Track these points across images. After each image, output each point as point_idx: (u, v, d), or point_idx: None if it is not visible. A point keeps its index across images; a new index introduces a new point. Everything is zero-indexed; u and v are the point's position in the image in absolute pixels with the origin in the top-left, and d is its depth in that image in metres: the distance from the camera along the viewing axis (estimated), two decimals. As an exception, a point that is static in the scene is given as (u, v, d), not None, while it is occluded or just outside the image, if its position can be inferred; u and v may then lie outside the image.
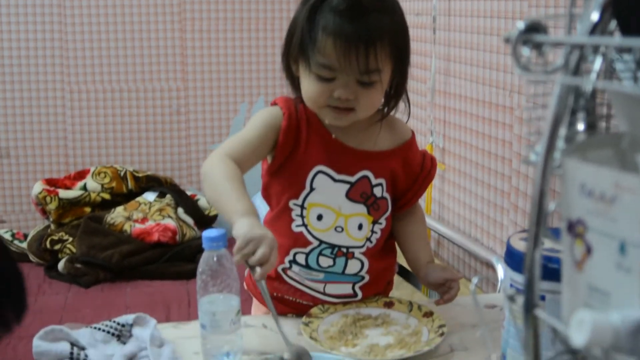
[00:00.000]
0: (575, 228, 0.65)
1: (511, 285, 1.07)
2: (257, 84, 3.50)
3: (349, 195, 1.36)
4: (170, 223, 3.04)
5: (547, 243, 0.70)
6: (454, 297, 1.37)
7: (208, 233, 1.20)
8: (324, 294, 1.40)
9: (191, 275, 2.85)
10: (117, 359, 1.17)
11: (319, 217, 1.36)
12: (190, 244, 3.04)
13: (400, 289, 1.56)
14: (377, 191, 1.38)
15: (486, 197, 2.15)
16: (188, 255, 3.00)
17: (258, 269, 1.13)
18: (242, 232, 1.13)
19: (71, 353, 1.19)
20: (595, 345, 0.59)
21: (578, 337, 0.59)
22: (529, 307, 0.68)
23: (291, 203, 1.36)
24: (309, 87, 1.28)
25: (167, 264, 2.96)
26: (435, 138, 2.53)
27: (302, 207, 1.35)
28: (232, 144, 1.32)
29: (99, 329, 1.27)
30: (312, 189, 1.35)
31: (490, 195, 2.13)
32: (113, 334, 1.27)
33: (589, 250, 0.63)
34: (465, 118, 2.30)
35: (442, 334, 1.27)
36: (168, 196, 3.21)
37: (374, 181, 1.37)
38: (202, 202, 3.27)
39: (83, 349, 1.21)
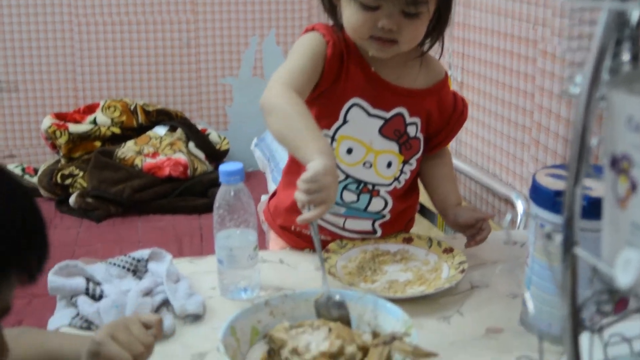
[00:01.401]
0: (619, 164, 0.62)
1: (540, 224, 1.04)
2: (268, 17, 3.42)
3: (381, 131, 1.32)
4: (182, 157, 3.02)
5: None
6: (485, 238, 1.35)
7: (225, 167, 1.17)
8: (343, 229, 1.38)
9: (203, 209, 2.84)
10: (133, 294, 1.16)
11: (349, 151, 1.33)
12: (201, 179, 3.02)
13: (417, 224, 1.54)
14: (411, 130, 1.34)
15: (506, 132, 2.11)
16: (199, 190, 2.98)
17: (307, 212, 1.09)
18: (317, 168, 1.06)
19: (87, 288, 1.18)
20: (641, 286, 0.56)
21: (624, 278, 0.56)
22: (568, 246, 0.65)
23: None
24: (352, 15, 1.23)
25: (179, 198, 2.95)
26: (453, 72, 2.47)
27: (332, 138, 1.32)
28: (288, 73, 1.24)
29: (114, 264, 1.25)
30: (345, 122, 1.31)
31: (510, 130, 2.08)
32: (129, 269, 1.25)
33: (633, 187, 0.60)
34: (485, 51, 2.24)
35: (462, 271, 1.25)
36: (179, 130, 3.17)
37: (408, 119, 1.34)
38: (213, 137, 3.24)
39: (98, 284, 1.20)
